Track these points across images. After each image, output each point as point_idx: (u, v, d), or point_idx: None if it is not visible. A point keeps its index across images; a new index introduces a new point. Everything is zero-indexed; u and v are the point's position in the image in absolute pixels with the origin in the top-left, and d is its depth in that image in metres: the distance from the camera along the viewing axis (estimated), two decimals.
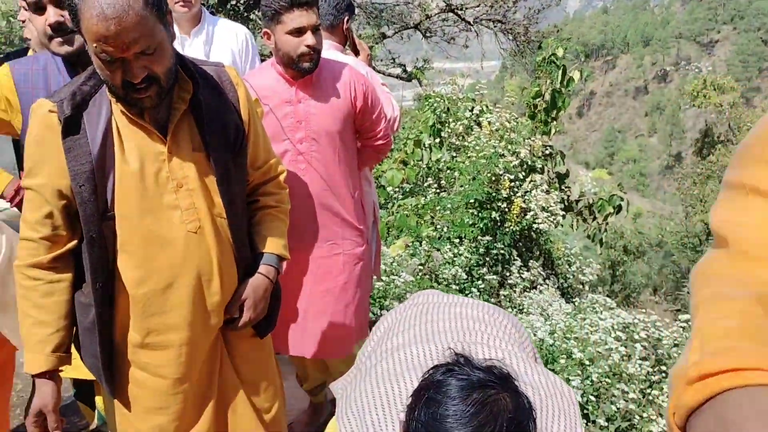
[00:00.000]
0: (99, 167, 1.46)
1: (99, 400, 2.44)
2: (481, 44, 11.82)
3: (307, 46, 2.17)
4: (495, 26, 11.39)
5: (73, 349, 1.64)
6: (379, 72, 11.95)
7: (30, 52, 2.91)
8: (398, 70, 11.65)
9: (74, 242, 1.54)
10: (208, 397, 1.71)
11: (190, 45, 2.98)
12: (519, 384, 1.07)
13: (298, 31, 2.16)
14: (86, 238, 1.50)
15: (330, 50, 2.59)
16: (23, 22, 3.12)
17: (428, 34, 11.45)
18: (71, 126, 1.45)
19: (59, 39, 1.79)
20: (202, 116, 1.54)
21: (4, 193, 2.09)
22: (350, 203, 2.42)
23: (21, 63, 1.95)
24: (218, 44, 3.03)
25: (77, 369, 1.78)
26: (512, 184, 5.99)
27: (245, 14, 9.82)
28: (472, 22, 11.23)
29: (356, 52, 2.80)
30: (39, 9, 1.78)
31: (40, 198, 1.49)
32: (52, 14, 1.76)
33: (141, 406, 1.66)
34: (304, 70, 2.22)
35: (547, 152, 6.74)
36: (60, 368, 1.58)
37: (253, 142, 1.70)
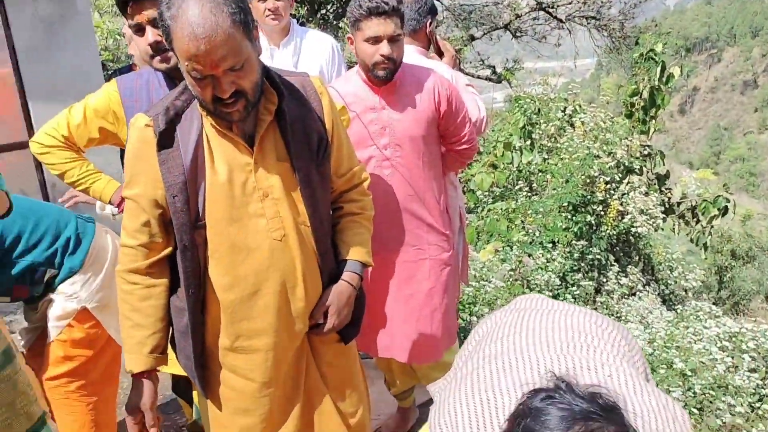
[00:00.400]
0: (191, 178, 1.53)
1: (196, 395, 2.55)
2: (574, 42, 11.46)
3: (382, 56, 2.19)
4: (588, 23, 11.00)
5: (170, 348, 1.72)
6: (468, 74, 11.83)
7: (136, 67, 3.10)
8: (488, 72, 11.51)
9: (169, 249, 1.61)
10: (294, 401, 1.75)
11: (279, 56, 3.07)
12: (626, 414, 0.97)
13: (375, 40, 2.19)
14: (179, 246, 1.57)
15: (413, 54, 2.59)
16: (123, 35, 3.32)
17: (518, 34, 11.23)
18: (165, 139, 1.52)
19: (158, 57, 1.90)
20: (287, 127, 1.58)
21: (112, 199, 2.24)
22: (435, 208, 2.41)
23: (126, 78, 2.09)
24: (306, 55, 3.11)
25: (175, 365, 1.87)
26: (608, 186, 5.78)
27: (335, 22, 10.01)
28: (564, 20, 10.92)
29: (440, 55, 2.78)
30: (139, 30, 1.91)
31: (138, 207, 1.57)
32: (151, 35, 1.89)
33: (230, 407, 1.72)
34: (379, 78, 2.24)
35: (646, 153, 6.45)
36: (157, 368, 1.66)
37: (336, 150, 1.72)
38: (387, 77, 2.24)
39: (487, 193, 6.68)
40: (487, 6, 11.88)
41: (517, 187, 6.48)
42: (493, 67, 11.46)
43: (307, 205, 1.62)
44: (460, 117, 2.38)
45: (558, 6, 10.86)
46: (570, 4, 10.74)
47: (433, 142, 2.39)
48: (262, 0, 2.96)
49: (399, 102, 2.31)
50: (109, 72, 4.98)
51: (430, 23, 2.69)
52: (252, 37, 1.45)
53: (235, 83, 1.41)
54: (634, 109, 6.57)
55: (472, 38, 11.28)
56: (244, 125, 1.55)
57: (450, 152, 2.48)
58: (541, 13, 11.06)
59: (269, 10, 2.95)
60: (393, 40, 2.19)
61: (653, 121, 6.59)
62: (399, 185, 2.34)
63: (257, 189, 1.57)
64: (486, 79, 11.76)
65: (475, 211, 6.83)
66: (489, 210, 6.34)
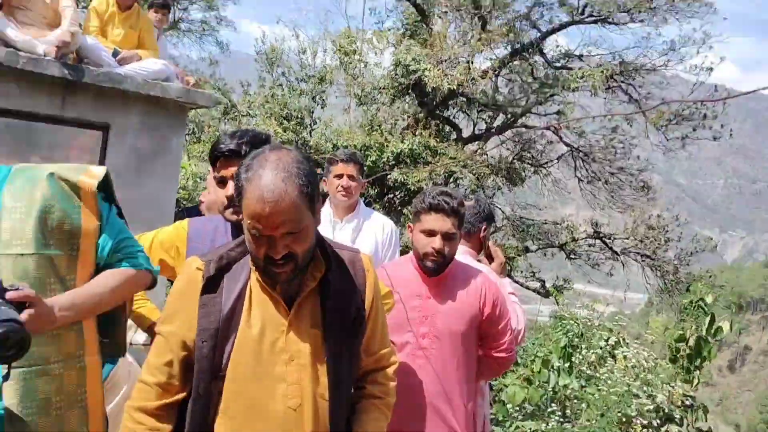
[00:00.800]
0: (224, 327, 1.56)
1: None
2: (626, 275, 11.55)
3: (433, 248, 2.28)
4: (643, 260, 11.16)
5: None
6: (517, 283, 11.91)
7: (203, 210, 3.30)
8: (537, 285, 11.59)
9: (182, 395, 1.60)
10: None
11: (341, 229, 3.23)
12: None
13: (430, 233, 2.30)
14: (194, 393, 1.56)
15: (463, 255, 2.67)
16: (204, 180, 3.57)
17: (572, 256, 11.45)
18: (211, 285, 1.58)
19: (232, 209, 2.04)
20: (328, 297, 1.62)
21: (148, 327, 2.26)
22: (462, 413, 2.32)
23: (198, 221, 2.22)
24: (366, 233, 3.28)
25: None
26: (645, 430, 5.44)
27: (399, 208, 10.49)
28: (619, 252, 11.11)
29: (490, 259, 2.87)
30: (221, 182, 2.08)
31: (167, 345, 1.59)
32: (231, 188, 2.02)
33: None
34: (427, 269, 2.32)
35: (689, 403, 6.13)
36: None
37: (371, 329, 1.73)
38: (434, 269, 2.31)
39: (517, 408, 6.37)
40: (546, 224, 12.28)
41: (549, 410, 6.17)
42: (543, 281, 11.57)
43: (331, 377, 1.60)
44: (503, 323, 2.39)
45: (615, 238, 11.13)
46: (627, 239, 11.01)
47: (471, 343, 2.37)
48: (338, 177, 3.19)
49: (445, 295, 2.34)
50: (179, 209, 5.28)
51: (485, 229, 2.81)
52: (315, 208, 1.54)
53: (289, 246, 1.48)
54: (679, 355, 6.37)
55: (527, 250, 11.54)
56: (288, 287, 1.60)
57: (487, 357, 2.44)
58: (597, 241, 11.33)
59: (342, 187, 3.17)
60: (447, 237, 2.29)
61: (698, 371, 6.34)
62: (429, 379, 2.28)
63: (285, 351, 1.57)
64: (534, 291, 11.81)
65: (503, 425, 6.49)
66: (517, 428, 6.01)
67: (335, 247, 1.72)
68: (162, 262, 2.18)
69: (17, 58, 4.11)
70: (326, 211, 3.28)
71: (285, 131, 8.88)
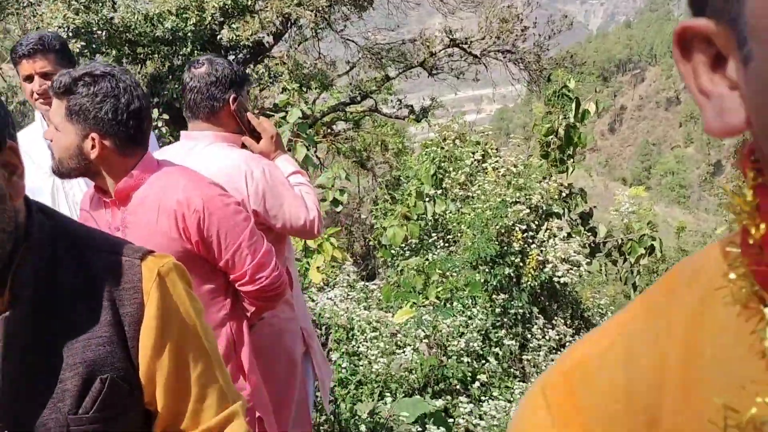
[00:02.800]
0: None
1: None
2: (490, 76, 11.28)
3: None
4: (504, 57, 10.82)
5: None
6: (386, 116, 11.43)
7: None
8: (406, 112, 11.16)
9: None
10: None
11: None
12: None
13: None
14: None
15: (214, 145, 2.00)
16: None
17: (434, 72, 10.95)
18: None
19: None
20: (7, 349, 0.91)
21: None
22: None
23: None
24: None
25: None
26: (525, 234, 5.37)
27: (243, 69, 9.44)
28: (479, 56, 10.69)
29: (257, 137, 2.14)
30: None
31: None
32: None
33: None
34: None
35: (566, 193, 6.11)
36: None
37: (163, 396, 1.01)
38: (57, 172, 1.63)
39: (403, 247, 6.19)
40: (403, 44, 11.61)
41: (431, 239, 6.02)
42: (411, 106, 11.11)
43: None
44: (231, 249, 1.71)
45: (472, 41, 10.63)
46: (483, 39, 10.53)
47: (202, 281, 1.70)
48: (27, 80, 2.29)
49: (138, 227, 1.64)
50: None
51: (235, 99, 2.05)
52: None
53: None
54: (550, 149, 6.25)
55: (388, 78, 10.93)
56: None
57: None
58: (456, 49, 10.82)
59: (38, 93, 2.28)
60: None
61: (571, 160, 6.28)
62: None
63: None
64: (404, 119, 11.42)
65: (392, 265, 6.35)
66: (405, 266, 5.85)
67: (85, 246, 0.99)
68: None
69: None
70: (36, 128, 2.40)
71: (78, 14, 7.41)
